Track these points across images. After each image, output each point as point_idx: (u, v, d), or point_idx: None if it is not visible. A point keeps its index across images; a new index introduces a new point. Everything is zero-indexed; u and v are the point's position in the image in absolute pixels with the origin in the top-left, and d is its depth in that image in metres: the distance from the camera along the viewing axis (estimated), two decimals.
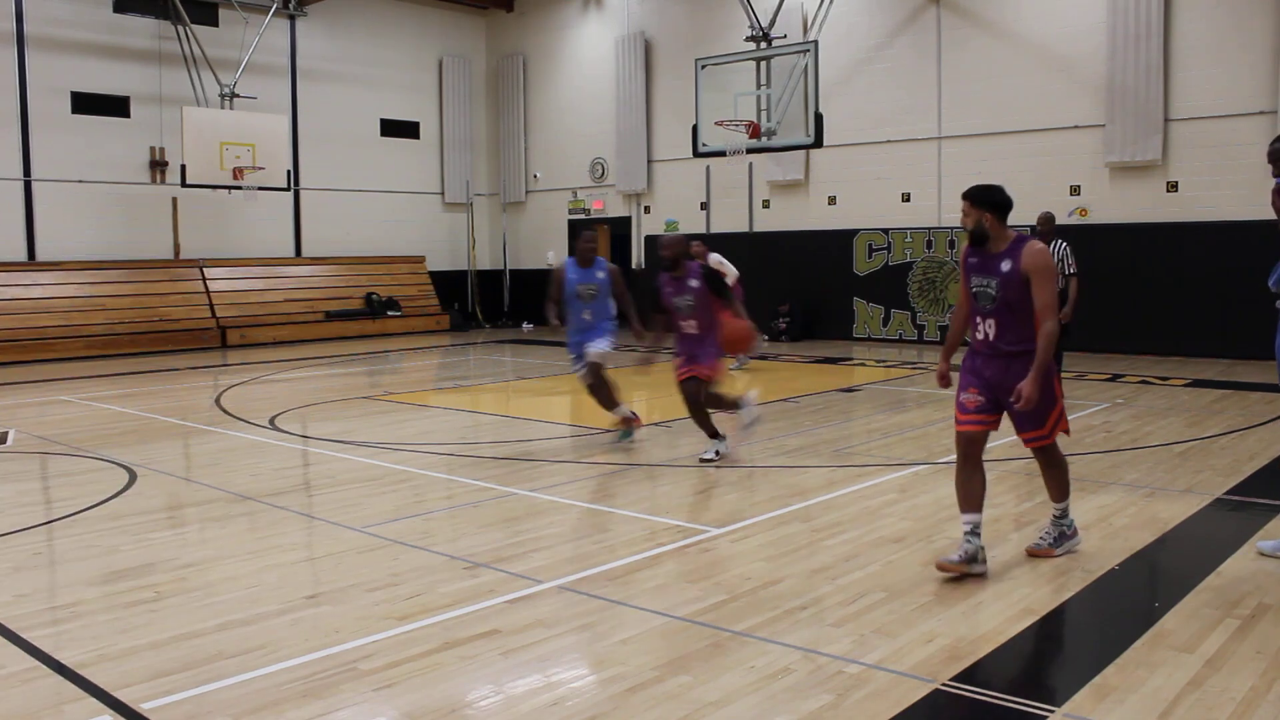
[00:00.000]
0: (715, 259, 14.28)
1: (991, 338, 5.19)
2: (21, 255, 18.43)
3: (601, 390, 8.88)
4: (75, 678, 4.06)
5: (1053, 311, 5.03)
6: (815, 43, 15.72)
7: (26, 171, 18.36)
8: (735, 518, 6.39)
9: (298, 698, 3.85)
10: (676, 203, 21.34)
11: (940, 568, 5.10)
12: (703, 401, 8.05)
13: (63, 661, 4.21)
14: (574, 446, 9.18)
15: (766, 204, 20.00)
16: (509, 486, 7.37)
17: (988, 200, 5.13)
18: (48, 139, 18.54)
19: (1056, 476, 5.48)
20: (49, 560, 5.85)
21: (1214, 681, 3.88)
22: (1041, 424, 5.26)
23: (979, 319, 5.24)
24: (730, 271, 14.05)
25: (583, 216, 22.87)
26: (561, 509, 6.81)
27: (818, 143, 15.92)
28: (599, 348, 8.78)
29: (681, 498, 7.13)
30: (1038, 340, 5.02)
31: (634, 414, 9.02)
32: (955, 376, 5.52)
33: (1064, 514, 5.53)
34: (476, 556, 5.63)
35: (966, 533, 5.16)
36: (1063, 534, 5.52)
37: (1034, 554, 5.47)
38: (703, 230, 20.47)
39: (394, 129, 23.41)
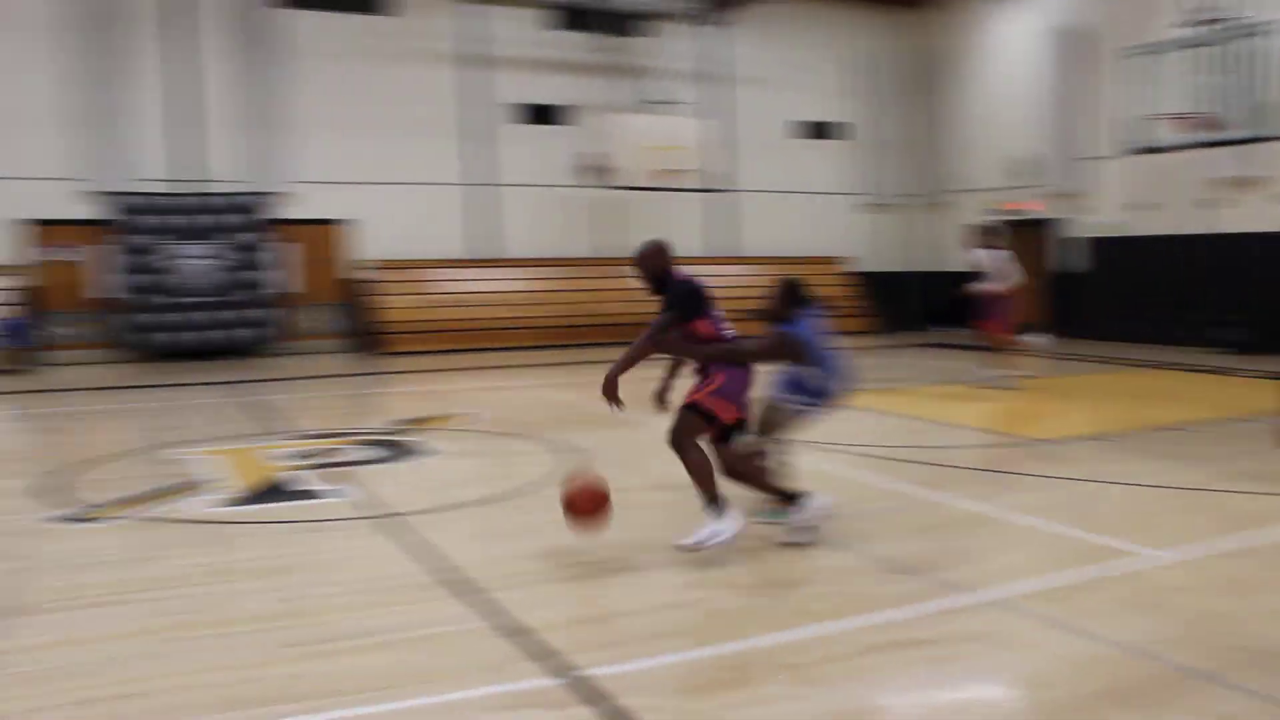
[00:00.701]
0: (986, 255, 12.48)
1: None
2: (459, 253, 20.71)
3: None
4: (520, 640, 4.43)
5: None
6: (1273, 22, 13.94)
7: (480, 178, 20.54)
8: (1180, 542, 5.84)
9: (728, 684, 4.00)
10: (1112, 203, 19.87)
11: None
12: (724, 472, 5.93)
13: (510, 624, 4.63)
14: (996, 456, 8.84)
15: (1219, 203, 18.11)
16: (932, 491, 7.21)
17: None
18: (501, 148, 20.68)
19: None
20: (502, 531, 6.48)
21: None
22: None
23: None
24: (1004, 276, 12.35)
25: (1008, 218, 21.88)
26: (987, 520, 6.55)
27: None
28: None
29: (1117, 517, 6.62)
30: None
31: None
32: None
33: None
34: (902, 562, 5.56)
35: None
36: None
37: None
38: (1139, 233, 18.95)
39: (814, 130, 23.75)
